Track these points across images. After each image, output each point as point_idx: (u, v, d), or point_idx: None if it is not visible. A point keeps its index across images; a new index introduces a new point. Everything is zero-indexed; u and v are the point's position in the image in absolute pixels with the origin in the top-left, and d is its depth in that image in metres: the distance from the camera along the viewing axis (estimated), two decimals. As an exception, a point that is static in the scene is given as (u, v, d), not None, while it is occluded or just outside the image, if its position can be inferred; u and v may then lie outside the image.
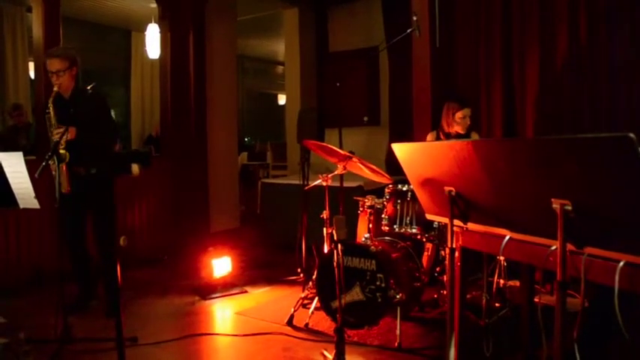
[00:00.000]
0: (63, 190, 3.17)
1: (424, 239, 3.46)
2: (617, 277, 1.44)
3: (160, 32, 5.91)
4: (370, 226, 3.47)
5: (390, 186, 3.47)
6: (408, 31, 3.79)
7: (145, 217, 5.34)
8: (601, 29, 3.82)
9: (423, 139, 4.19)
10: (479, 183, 1.78)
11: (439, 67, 4.45)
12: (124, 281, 2.36)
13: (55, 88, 3.34)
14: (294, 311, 3.39)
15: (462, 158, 1.77)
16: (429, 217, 2.22)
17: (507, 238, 1.82)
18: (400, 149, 2.06)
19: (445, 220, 2.01)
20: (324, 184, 3.35)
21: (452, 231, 2.01)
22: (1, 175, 2.73)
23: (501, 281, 3.27)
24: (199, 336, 3.21)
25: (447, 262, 2.21)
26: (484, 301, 3.08)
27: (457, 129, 3.84)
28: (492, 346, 2.70)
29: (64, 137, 3.18)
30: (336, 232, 2.53)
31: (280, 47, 9.90)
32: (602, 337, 2.23)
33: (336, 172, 3.30)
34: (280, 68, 12.95)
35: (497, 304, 3.32)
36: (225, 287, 4.04)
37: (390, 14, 6.49)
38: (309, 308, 3.37)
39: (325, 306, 3.20)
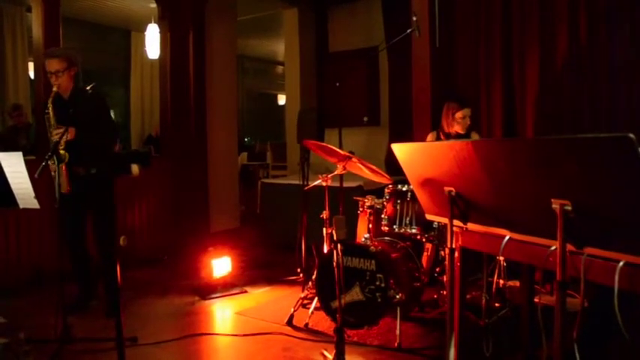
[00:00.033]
0: (63, 190, 3.18)
1: (424, 239, 3.46)
2: (616, 277, 1.44)
3: (160, 32, 5.91)
4: (370, 226, 3.47)
5: (390, 186, 3.47)
6: (408, 31, 3.80)
7: (145, 217, 5.34)
8: (601, 29, 3.82)
9: (422, 139, 4.19)
10: (479, 183, 1.78)
11: (439, 67, 4.44)
12: (124, 281, 2.36)
13: (54, 89, 3.34)
14: (294, 311, 3.39)
15: (462, 158, 1.77)
16: (428, 217, 2.22)
17: (507, 238, 1.82)
18: (400, 149, 2.06)
19: (445, 220, 2.01)
20: (324, 184, 3.35)
21: (452, 231, 2.01)
22: (1, 175, 2.73)
23: (501, 281, 3.26)
24: (199, 336, 3.21)
25: (446, 262, 2.21)
26: (484, 301, 3.08)
27: (457, 129, 3.85)
28: (492, 346, 2.70)
29: (64, 137, 3.18)
30: (336, 232, 2.54)
31: (280, 47, 9.90)
32: (602, 337, 2.23)
33: (335, 172, 3.30)
34: (280, 68, 12.95)
35: (497, 304, 3.32)
36: (225, 287, 4.04)
37: (390, 14, 6.48)
38: (309, 308, 3.37)
39: (325, 306, 3.20)
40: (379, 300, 3.00)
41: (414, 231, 3.36)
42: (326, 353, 2.84)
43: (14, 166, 2.70)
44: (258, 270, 4.75)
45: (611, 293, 1.44)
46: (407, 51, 4.71)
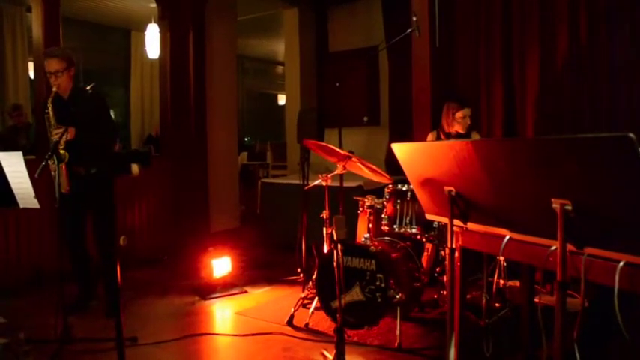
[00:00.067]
0: (63, 190, 3.17)
1: (424, 239, 3.46)
2: (617, 277, 1.44)
3: (160, 32, 5.91)
4: (370, 226, 3.47)
5: (390, 186, 3.47)
6: (408, 31, 3.80)
7: (145, 217, 5.34)
8: (601, 29, 3.82)
9: (422, 139, 4.19)
10: (479, 183, 1.78)
11: (439, 67, 4.44)
12: (124, 281, 2.36)
13: (54, 89, 3.34)
14: (294, 311, 3.40)
15: (462, 158, 1.77)
16: (428, 217, 2.22)
17: (507, 238, 1.82)
18: (400, 149, 2.06)
19: (445, 220, 2.01)
20: (324, 184, 3.35)
21: (452, 231, 2.01)
22: (1, 175, 2.73)
23: (501, 281, 3.27)
24: (199, 336, 3.21)
25: (446, 262, 2.21)
26: (484, 301, 3.08)
27: (457, 129, 3.85)
28: (492, 346, 2.70)
29: (64, 137, 3.18)
30: (336, 232, 2.54)
31: (280, 47, 9.90)
32: (602, 337, 2.23)
33: (335, 172, 3.30)
34: (280, 68, 12.95)
35: (497, 304, 3.32)
36: (225, 287, 4.04)
37: (390, 14, 6.48)
38: (309, 308, 3.37)
39: (325, 306, 3.20)
40: (379, 300, 3.00)
41: (414, 231, 3.36)
42: (326, 353, 2.84)
43: (14, 165, 2.70)
44: (258, 270, 4.75)
45: (611, 293, 1.44)
46: (407, 51, 4.71)
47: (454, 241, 2.06)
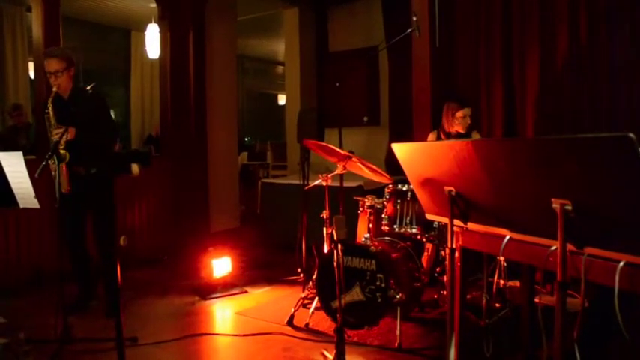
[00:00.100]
0: (63, 190, 3.18)
1: (424, 239, 3.46)
2: (617, 277, 1.44)
3: (160, 32, 5.91)
4: (370, 226, 3.47)
5: (390, 186, 3.47)
6: (408, 31, 3.79)
7: (145, 217, 5.34)
8: (601, 29, 3.82)
9: (422, 139, 4.20)
10: (479, 183, 1.78)
11: (439, 67, 4.45)
12: (124, 281, 2.36)
13: (54, 89, 3.34)
14: (294, 311, 3.40)
15: (462, 158, 1.77)
16: (429, 217, 2.22)
17: (507, 238, 1.82)
18: (400, 149, 2.06)
19: (445, 220, 2.01)
20: (324, 184, 3.35)
21: (452, 231, 2.01)
22: (1, 175, 2.73)
23: (501, 281, 3.26)
24: (199, 336, 3.21)
25: (447, 262, 2.21)
26: (484, 301, 3.08)
27: (457, 128, 3.85)
28: (492, 346, 2.70)
29: (64, 137, 3.18)
30: (336, 232, 2.54)
31: (280, 47, 9.90)
32: (602, 337, 2.23)
33: (336, 172, 3.30)
34: (280, 68, 12.95)
35: (497, 304, 3.32)
36: (225, 287, 4.04)
37: (390, 14, 6.48)
38: (309, 308, 3.37)
39: (325, 306, 3.20)
40: (379, 300, 3.00)
41: (414, 231, 3.36)
42: (326, 353, 2.84)
43: (14, 165, 2.70)
44: (258, 270, 4.75)
45: (612, 293, 1.44)
46: (407, 51, 4.71)
47: (454, 241, 2.06)
